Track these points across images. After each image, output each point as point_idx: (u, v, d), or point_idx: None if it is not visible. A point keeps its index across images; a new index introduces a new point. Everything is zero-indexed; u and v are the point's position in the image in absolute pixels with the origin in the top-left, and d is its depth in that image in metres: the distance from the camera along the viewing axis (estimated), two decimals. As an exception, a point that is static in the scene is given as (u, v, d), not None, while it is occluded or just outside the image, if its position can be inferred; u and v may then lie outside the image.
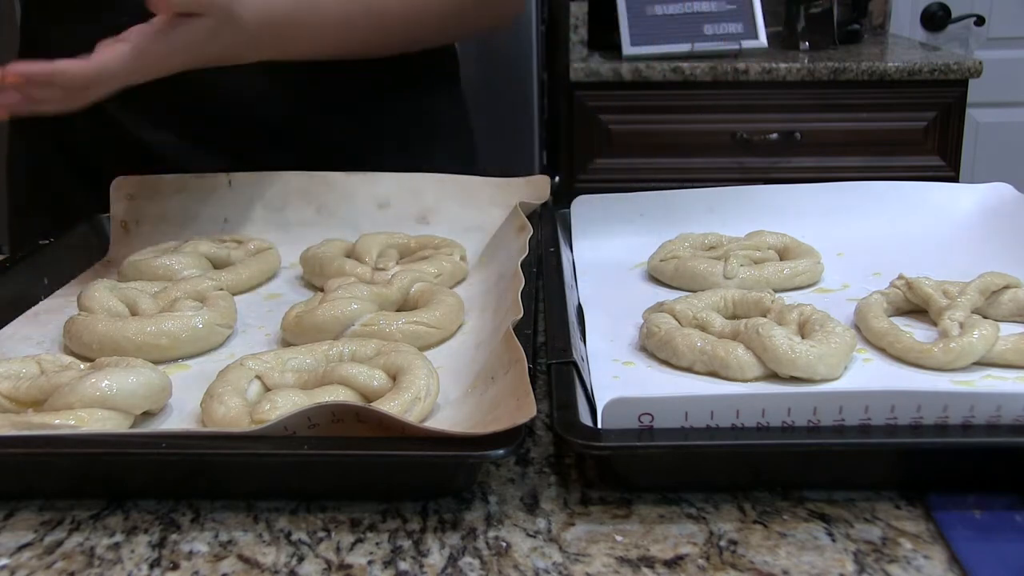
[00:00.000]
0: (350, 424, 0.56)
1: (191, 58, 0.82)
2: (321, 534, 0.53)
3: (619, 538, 0.52)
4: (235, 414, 0.60)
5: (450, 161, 1.09)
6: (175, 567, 0.51)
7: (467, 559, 0.51)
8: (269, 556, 0.52)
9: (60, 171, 1.08)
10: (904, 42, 2.67)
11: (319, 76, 1.02)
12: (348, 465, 0.56)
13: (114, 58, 0.76)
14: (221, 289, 0.82)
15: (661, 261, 0.86)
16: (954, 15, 2.83)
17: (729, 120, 2.29)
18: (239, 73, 0.89)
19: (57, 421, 0.58)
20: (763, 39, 2.36)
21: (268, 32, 0.86)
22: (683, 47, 2.32)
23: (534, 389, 0.56)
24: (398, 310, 0.79)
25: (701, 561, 0.50)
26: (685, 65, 2.24)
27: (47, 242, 0.90)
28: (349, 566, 0.51)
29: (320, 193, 0.97)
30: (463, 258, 0.89)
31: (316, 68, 0.98)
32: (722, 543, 0.52)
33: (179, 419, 0.64)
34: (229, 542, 0.53)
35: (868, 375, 0.67)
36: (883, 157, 2.30)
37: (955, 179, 2.31)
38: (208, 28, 0.80)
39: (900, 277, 0.77)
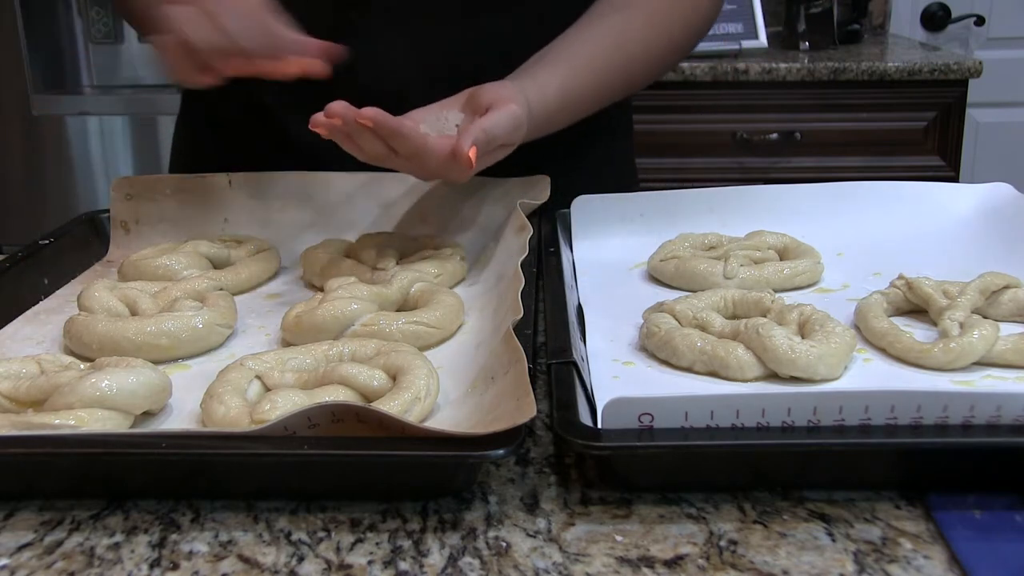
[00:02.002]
0: (350, 424, 0.56)
1: None
2: (321, 534, 0.53)
3: (619, 538, 0.52)
4: (235, 414, 0.60)
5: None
6: (175, 567, 0.51)
7: (467, 559, 0.51)
8: (269, 556, 0.52)
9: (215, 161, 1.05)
10: (904, 42, 2.67)
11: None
12: (348, 465, 0.56)
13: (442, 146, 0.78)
14: (221, 289, 0.82)
15: (661, 261, 0.86)
16: (954, 15, 2.83)
17: (729, 120, 2.29)
18: (415, 83, 0.89)
19: (57, 421, 0.58)
20: (763, 39, 2.36)
21: (533, 131, 0.86)
22: (683, 47, 2.32)
23: (534, 389, 0.56)
24: (398, 310, 0.79)
25: (701, 561, 0.50)
26: (685, 65, 2.23)
27: (47, 242, 0.90)
28: (349, 566, 0.51)
29: (320, 193, 0.97)
30: (463, 258, 0.89)
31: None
32: (722, 543, 0.52)
33: (179, 419, 0.64)
34: (229, 542, 0.53)
35: (868, 375, 0.67)
36: (883, 157, 2.30)
37: (955, 179, 2.31)
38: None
39: (900, 277, 0.77)
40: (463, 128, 0.79)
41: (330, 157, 0.98)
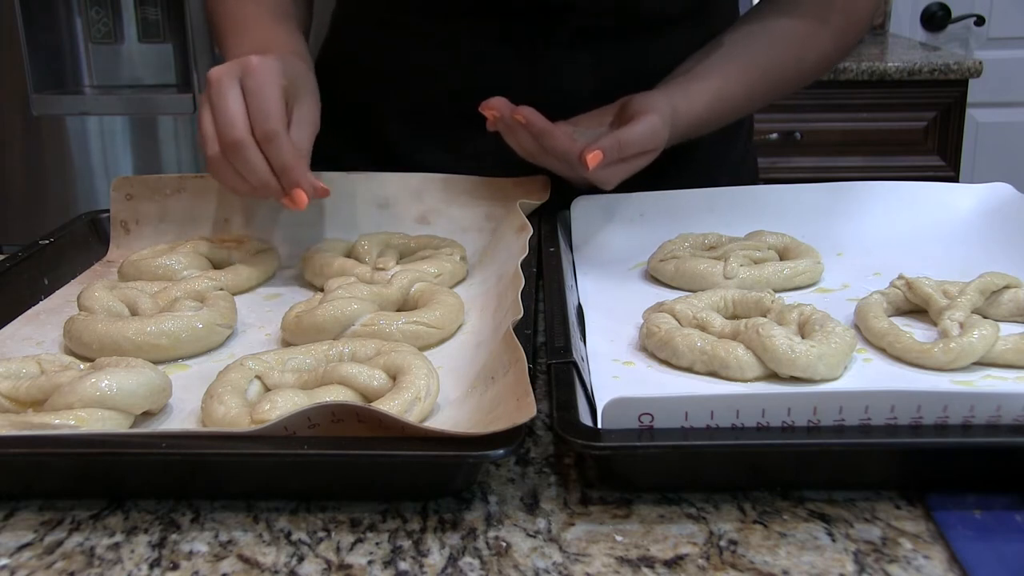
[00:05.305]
0: (350, 424, 0.56)
1: None
2: (321, 534, 0.53)
3: (619, 538, 0.52)
4: (235, 414, 0.60)
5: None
6: (175, 567, 0.51)
7: (467, 559, 0.51)
8: (269, 556, 0.52)
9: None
10: (904, 42, 2.67)
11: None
12: (348, 465, 0.56)
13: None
14: (221, 289, 0.82)
15: (661, 261, 0.86)
16: (954, 15, 2.83)
17: (729, 120, 2.29)
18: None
19: (57, 421, 0.58)
20: (763, 39, 2.36)
21: (678, 137, 0.89)
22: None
23: (534, 389, 0.56)
24: (398, 310, 0.79)
25: (701, 561, 0.50)
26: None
27: (47, 242, 0.90)
28: (349, 566, 0.51)
29: (320, 193, 0.97)
30: (463, 258, 0.89)
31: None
32: (722, 543, 0.52)
33: (179, 419, 0.64)
34: (229, 542, 0.53)
35: (868, 375, 0.67)
36: (883, 157, 2.30)
37: (955, 179, 2.31)
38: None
39: (900, 277, 0.77)
40: (601, 136, 0.83)
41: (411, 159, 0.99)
